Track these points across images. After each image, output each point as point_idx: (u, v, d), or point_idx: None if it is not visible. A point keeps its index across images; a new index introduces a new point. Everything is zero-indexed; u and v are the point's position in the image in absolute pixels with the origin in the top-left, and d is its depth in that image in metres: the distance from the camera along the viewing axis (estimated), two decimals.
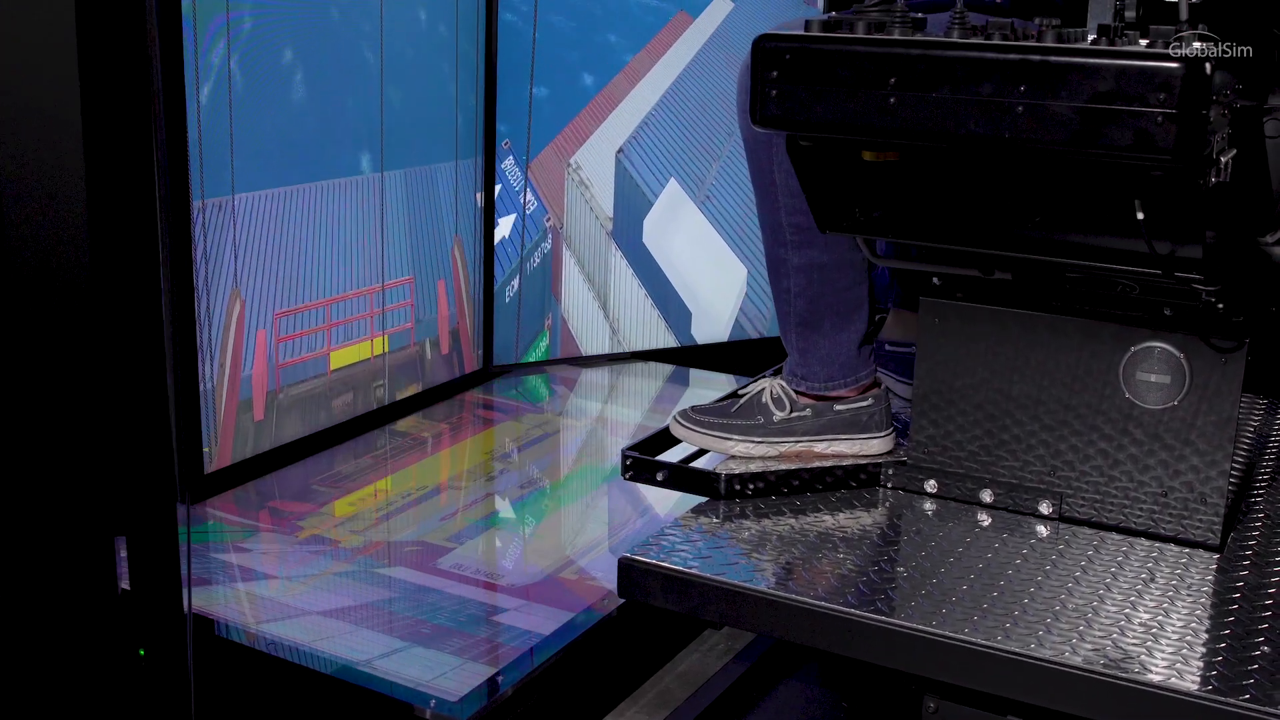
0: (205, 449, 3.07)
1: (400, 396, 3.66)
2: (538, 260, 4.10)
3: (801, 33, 1.67)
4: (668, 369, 4.00)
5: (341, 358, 3.47)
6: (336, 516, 3.03)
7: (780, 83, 1.66)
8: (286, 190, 3.27)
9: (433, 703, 2.14)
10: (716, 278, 4.04)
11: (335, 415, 3.45)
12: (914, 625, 1.71)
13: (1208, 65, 1.46)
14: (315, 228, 3.37)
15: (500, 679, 2.22)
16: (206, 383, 3.07)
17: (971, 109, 1.55)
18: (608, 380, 3.96)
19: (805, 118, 1.66)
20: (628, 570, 1.91)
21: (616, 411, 3.82)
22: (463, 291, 3.91)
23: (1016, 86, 1.52)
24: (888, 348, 2.61)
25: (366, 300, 3.55)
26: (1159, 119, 1.46)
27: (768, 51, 1.67)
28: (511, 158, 4.08)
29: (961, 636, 1.68)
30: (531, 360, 4.01)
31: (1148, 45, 1.50)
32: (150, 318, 1.58)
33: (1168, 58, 1.46)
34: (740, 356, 3.95)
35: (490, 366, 3.93)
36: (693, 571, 1.87)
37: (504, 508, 3.14)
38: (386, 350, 3.61)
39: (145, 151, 1.53)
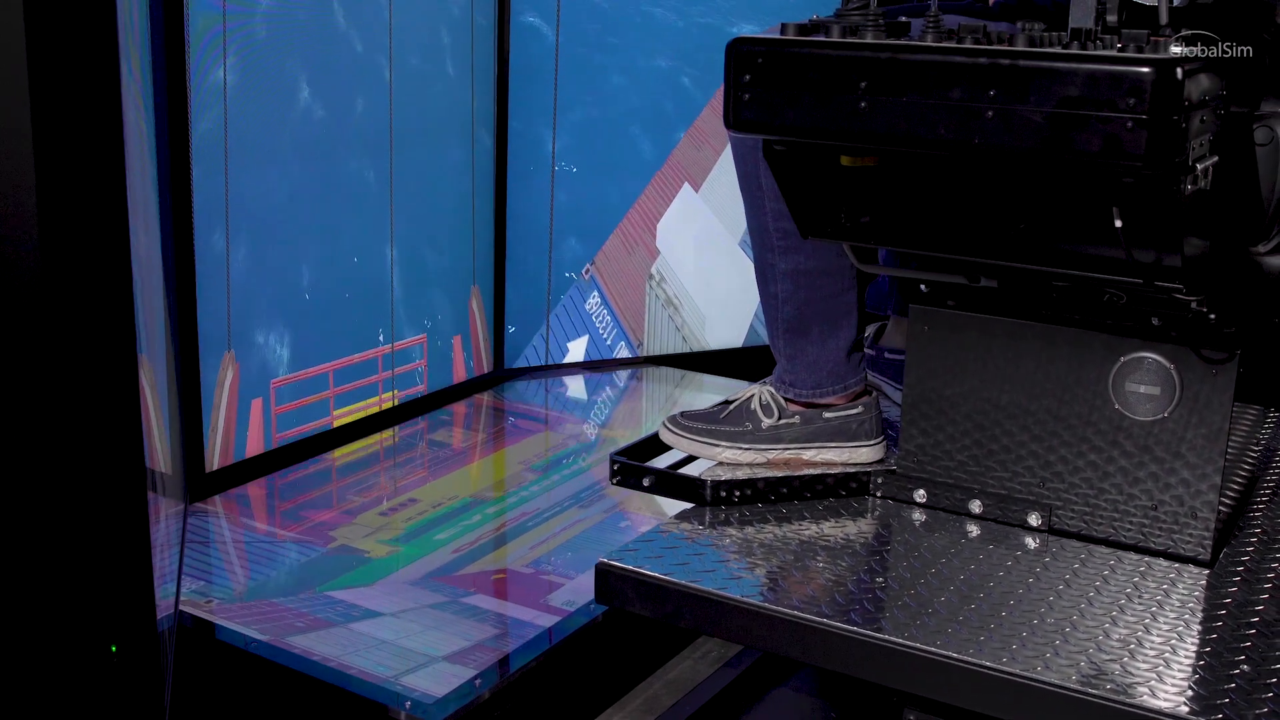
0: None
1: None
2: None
3: (775, 36, 1.66)
4: (681, 374, 3.99)
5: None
6: (365, 525, 3.01)
7: (753, 86, 1.64)
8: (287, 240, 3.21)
9: (408, 704, 2.14)
10: (730, 282, 4.01)
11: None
12: (885, 636, 1.69)
13: (1179, 70, 1.43)
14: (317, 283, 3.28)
15: (479, 682, 2.22)
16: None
17: (941, 114, 1.52)
18: (622, 385, 3.94)
19: (778, 122, 1.65)
20: (605, 576, 1.90)
21: (632, 417, 3.80)
22: (481, 347, 3.79)
23: (986, 91, 1.49)
24: (887, 355, 2.59)
25: (374, 363, 3.42)
26: (1129, 124, 1.43)
27: (741, 55, 1.65)
28: (597, 294, 3.96)
29: (932, 649, 1.65)
30: (544, 364, 4.00)
31: (1120, 49, 1.48)
32: (120, 312, 1.59)
33: (1138, 62, 1.43)
34: (755, 361, 3.93)
35: (501, 369, 3.92)
36: (668, 578, 1.86)
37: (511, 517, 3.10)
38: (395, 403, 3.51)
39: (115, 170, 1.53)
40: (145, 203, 2.29)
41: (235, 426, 3.09)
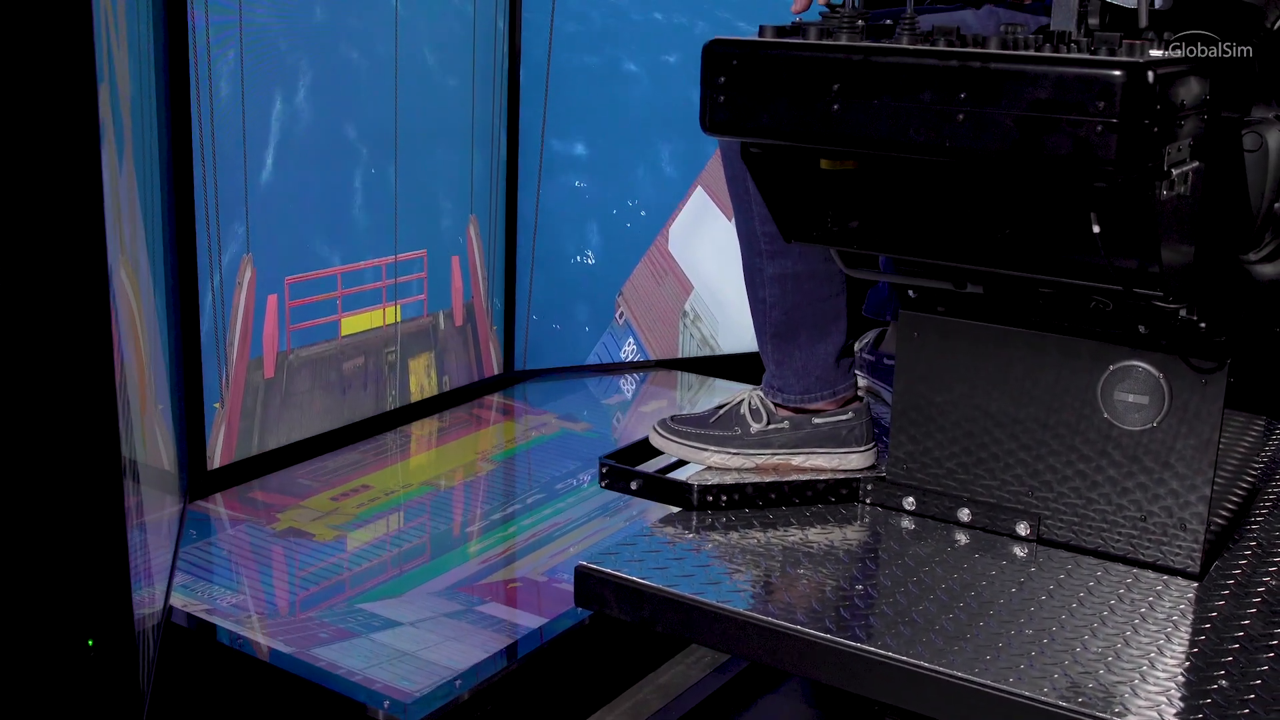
0: (216, 404, 3.14)
1: (412, 363, 3.70)
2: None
3: (750, 38, 1.65)
4: (692, 378, 3.97)
5: (353, 324, 3.52)
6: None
7: (727, 88, 1.63)
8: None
9: (386, 703, 2.15)
10: (743, 286, 3.98)
11: (345, 376, 3.50)
12: (855, 644, 1.67)
13: (1151, 72, 1.41)
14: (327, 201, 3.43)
15: (459, 683, 2.22)
16: (219, 343, 3.14)
17: (913, 116, 1.51)
18: (633, 388, 3.94)
19: (752, 124, 1.64)
20: (584, 579, 1.90)
21: (643, 421, 3.79)
22: (477, 268, 3.91)
23: (957, 93, 1.48)
24: (886, 361, 2.57)
25: (378, 270, 3.60)
26: (1099, 128, 1.41)
27: (716, 56, 1.64)
28: (632, 339, 3.96)
29: (902, 657, 1.63)
30: (554, 366, 4.00)
31: (1091, 52, 1.46)
32: (96, 301, 1.59)
33: (1109, 64, 1.41)
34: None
35: (512, 370, 3.92)
36: (646, 582, 1.85)
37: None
38: (399, 320, 3.65)
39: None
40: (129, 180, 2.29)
41: (253, 320, 3.23)
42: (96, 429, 1.65)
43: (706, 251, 3.98)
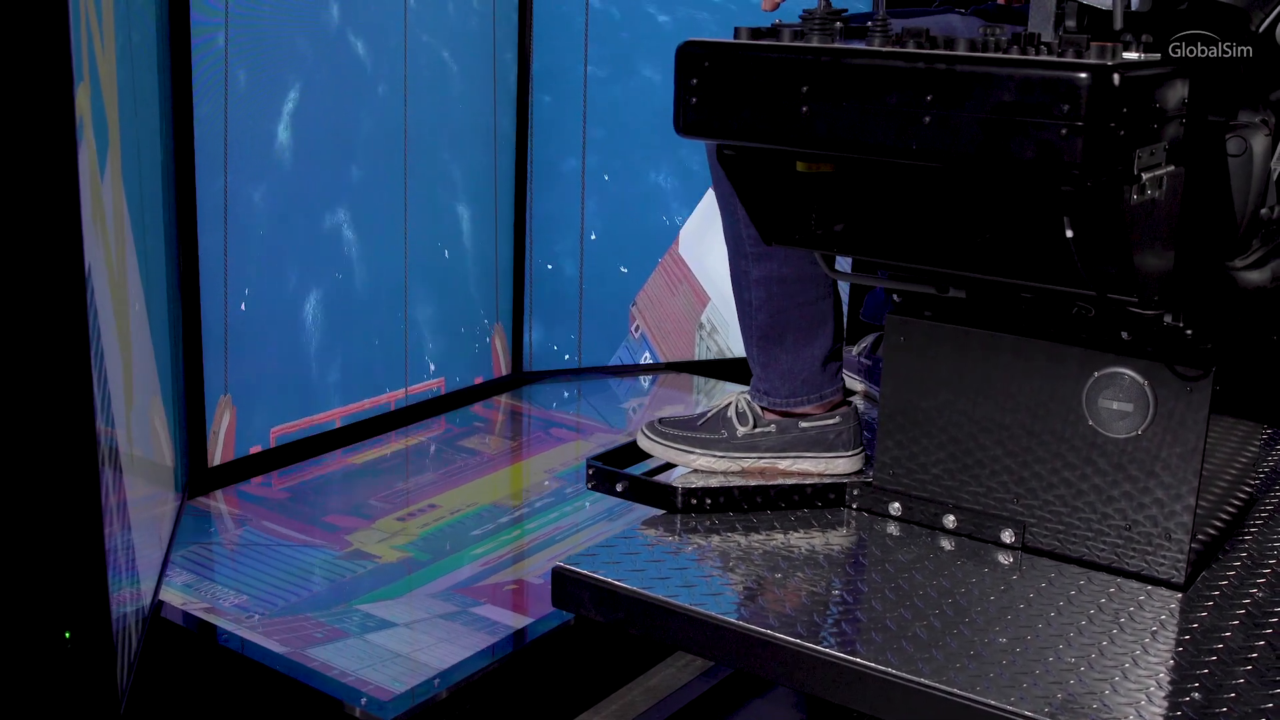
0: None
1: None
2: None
3: (723, 40, 1.64)
4: (699, 380, 3.96)
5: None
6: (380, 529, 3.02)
7: (700, 90, 1.63)
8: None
9: (363, 700, 2.15)
10: None
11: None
12: (825, 649, 1.66)
13: (1117, 75, 1.39)
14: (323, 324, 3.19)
15: (438, 682, 2.22)
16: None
17: (880, 118, 1.49)
18: (643, 391, 3.93)
19: (724, 126, 1.63)
20: (561, 580, 1.90)
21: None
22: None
23: (923, 96, 1.46)
24: (882, 365, 2.55)
25: (386, 408, 3.35)
26: (1064, 131, 1.39)
27: (688, 58, 1.64)
28: (648, 353, 3.93)
29: (870, 664, 1.62)
30: (563, 368, 4.00)
31: (1060, 55, 1.44)
32: (71, 296, 1.61)
33: (1074, 67, 1.39)
34: None
35: (520, 372, 3.92)
36: (620, 583, 1.84)
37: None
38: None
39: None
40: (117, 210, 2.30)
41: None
42: (73, 422, 1.67)
43: (721, 258, 3.96)
